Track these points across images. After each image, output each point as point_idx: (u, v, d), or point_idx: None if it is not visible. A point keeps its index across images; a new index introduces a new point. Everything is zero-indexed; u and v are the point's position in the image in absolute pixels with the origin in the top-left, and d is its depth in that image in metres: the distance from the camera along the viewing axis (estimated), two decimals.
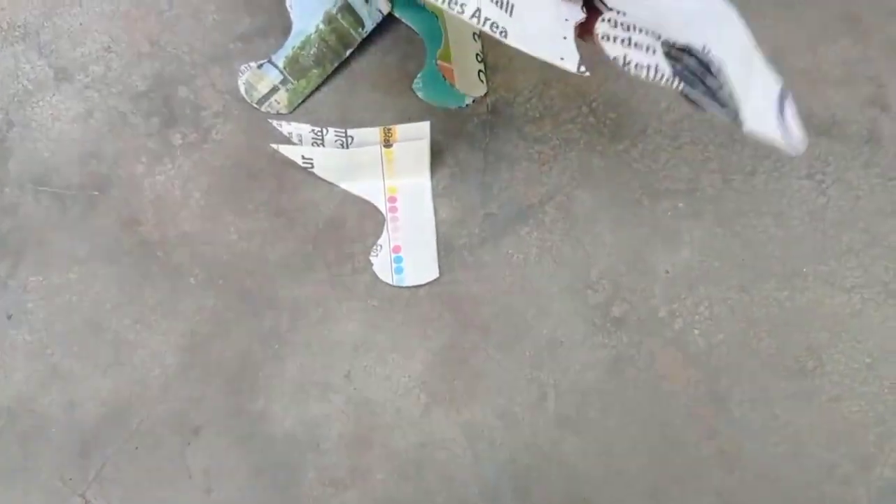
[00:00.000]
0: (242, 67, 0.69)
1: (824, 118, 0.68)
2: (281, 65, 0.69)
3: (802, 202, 0.66)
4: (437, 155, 0.67)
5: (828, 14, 0.72)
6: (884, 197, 0.66)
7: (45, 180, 0.67)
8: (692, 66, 0.48)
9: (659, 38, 0.47)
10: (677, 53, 0.48)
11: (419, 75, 0.69)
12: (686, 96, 0.48)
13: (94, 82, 0.70)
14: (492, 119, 0.69)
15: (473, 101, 0.69)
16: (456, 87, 0.68)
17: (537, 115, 0.69)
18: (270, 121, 0.66)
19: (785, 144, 0.49)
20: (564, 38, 0.45)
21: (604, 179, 0.67)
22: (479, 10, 0.39)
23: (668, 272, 0.64)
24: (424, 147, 0.64)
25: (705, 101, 0.49)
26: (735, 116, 0.48)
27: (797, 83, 0.69)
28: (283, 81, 0.68)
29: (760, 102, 0.49)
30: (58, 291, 0.64)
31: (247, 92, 0.69)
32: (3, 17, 0.72)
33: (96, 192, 0.66)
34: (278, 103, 0.68)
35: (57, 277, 0.64)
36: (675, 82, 0.47)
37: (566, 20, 0.46)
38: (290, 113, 0.68)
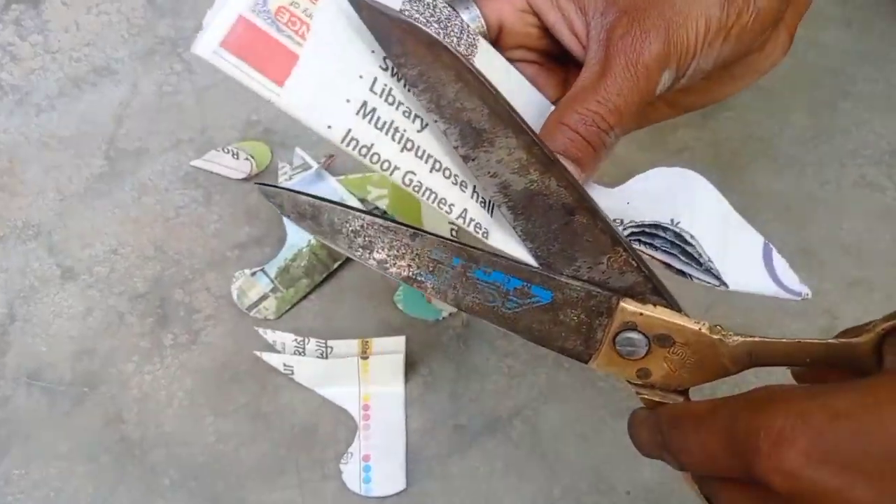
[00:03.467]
0: (237, 274, 0.74)
1: None
2: (272, 274, 0.74)
3: None
4: (412, 365, 0.70)
5: (785, 250, 0.76)
6: None
7: (38, 374, 0.70)
8: (667, 237, 0.50)
9: (621, 222, 0.49)
10: (650, 230, 0.50)
11: (399, 289, 0.74)
12: (669, 266, 0.49)
13: (97, 282, 0.75)
14: (465, 332, 0.73)
15: (449, 315, 0.73)
16: (432, 302, 0.73)
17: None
18: (257, 328, 0.71)
19: (785, 295, 0.50)
20: None
21: (570, 396, 0.70)
22: (465, 210, 0.41)
23: (629, 493, 0.66)
24: (399, 360, 0.67)
25: (689, 268, 0.50)
26: (718, 277, 0.49)
27: (756, 314, 0.73)
28: (273, 290, 0.73)
29: (743, 259, 0.51)
30: (37, 486, 0.66)
31: (238, 298, 0.73)
32: (19, 216, 0.78)
33: (86, 389, 0.70)
34: (267, 310, 0.73)
35: (38, 472, 0.66)
36: (657, 255, 0.48)
37: None
38: (277, 319, 0.73)
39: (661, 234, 0.51)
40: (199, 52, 0.36)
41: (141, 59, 0.87)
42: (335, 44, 0.38)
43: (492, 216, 0.42)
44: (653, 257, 0.48)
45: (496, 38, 0.48)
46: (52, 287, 0.75)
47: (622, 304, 0.41)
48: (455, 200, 0.40)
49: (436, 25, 0.46)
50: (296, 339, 0.69)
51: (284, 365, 0.68)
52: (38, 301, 0.74)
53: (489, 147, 0.38)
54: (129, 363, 0.71)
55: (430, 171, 0.40)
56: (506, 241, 0.41)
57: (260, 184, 0.43)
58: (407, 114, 0.40)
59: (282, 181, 0.78)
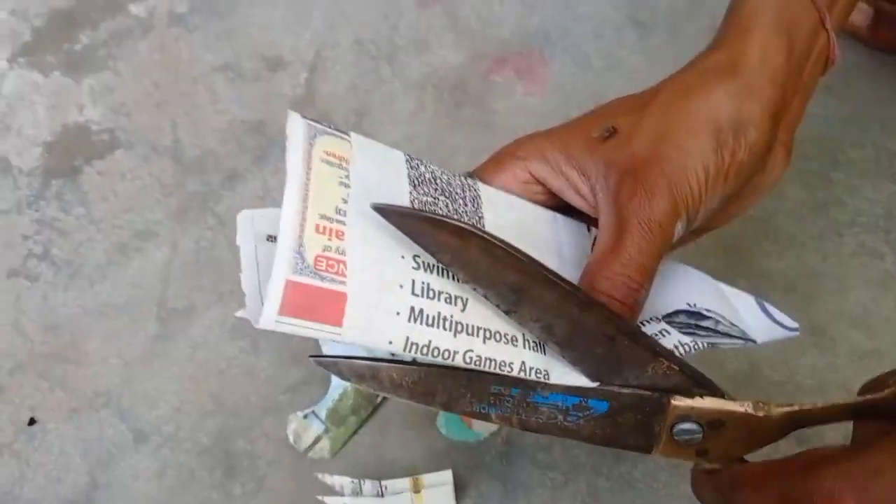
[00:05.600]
0: (290, 417, 0.81)
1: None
2: (323, 415, 0.80)
3: None
4: (462, 489, 0.76)
5: None
6: None
7: None
8: (687, 321, 0.56)
9: (659, 318, 0.56)
10: (671, 318, 0.56)
11: (440, 415, 0.80)
12: (708, 344, 0.55)
13: (166, 441, 0.82)
14: (507, 450, 0.78)
15: (490, 434, 0.79)
16: (472, 427, 0.79)
17: (547, 443, 0.78)
18: (316, 474, 0.77)
19: (789, 334, 0.59)
20: None
21: (611, 500, 0.75)
22: (523, 363, 0.44)
23: None
24: (450, 490, 0.73)
25: (715, 339, 0.57)
26: (744, 336, 0.56)
27: (776, 394, 0.78)
28: (326, 430, 0.79)
29: (751, 317, 0.58)
30: None
31: (294, 441, 0.80)
32: (88, 386, 0.86)
33: None
34: (322, 450, 0.79)
35: None
36: (692, 342, 0.53)
37: None
38: (333, 457, 0.79)
39: (677, 319, 0.57)
40: (263, 326, 0.40)
41: (176, 218, 0.94)
42: (371, 268, 0.42)
43: (546, 355, 0.45)
44: (682, 343, 0.53)
45: None
46: (127, 451, 0.82)
47: (673, 401, 0.46)
48: (512, 358, 0.43)
49: (443, 199, 0.51)
50: (352, 481, 0.75)
51: None
52: (115, 466, 0.81)
53: (528, 300, 0.42)
54: None
55: (484, 342, 0.43)
56: (565, 375, 0.45)
57: (315, 357, 0.45)
58: (449, 300, 0.43)
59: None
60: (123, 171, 0.98)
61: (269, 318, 0.40)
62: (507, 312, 0.43)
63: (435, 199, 0.52)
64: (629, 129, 0.49)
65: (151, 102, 1.01)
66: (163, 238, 0.93)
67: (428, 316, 0.42)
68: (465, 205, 0.51)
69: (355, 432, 0.80)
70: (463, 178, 0.52)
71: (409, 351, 0.42)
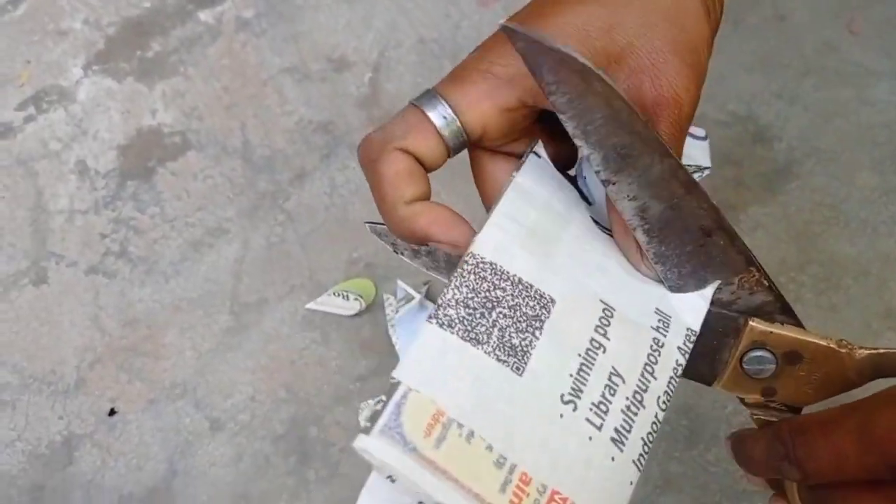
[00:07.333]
0: (362, 405, 0.82)
1: None
2: None
3: None
4: None
5: (869, 313, 0.81)
6: None
7: None
8: None
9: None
10: None
11: None
12: None
13: (242, 429, 0.84)
14: None
15: None
16: None
17: None
18: None
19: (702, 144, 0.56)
20: None
21: (684, 485, 0.75)
22: None
23: None
24: None
25: None
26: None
27: None
28: None
29: None
30: None
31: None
32: (166, 378, 0.88)
33: None
34: None
35: None
36: None
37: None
38: None
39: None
40: None
41: (247, 216, 0.97)
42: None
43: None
44: None
45: (478, 141, 0.41)
46: (205, 439, 0.84)
47: (751, 323, 0.41)
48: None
49: None
50: None
51: None
52: (193, 454, 0.83)
53: (632, 170, 0.38)
54: (280, 501, 0.79)
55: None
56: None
57: (371, 223, 0.41)
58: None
59: (389, 314, 0.86)
60: (195, 172, 1.01)
61: None
62: (604, 182, 0.38)
63: None
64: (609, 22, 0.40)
65: (221, 105, 1.04)
66: (234, 234, 0.96)
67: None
68: None
69: None
70: None
71: None
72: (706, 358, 0.42)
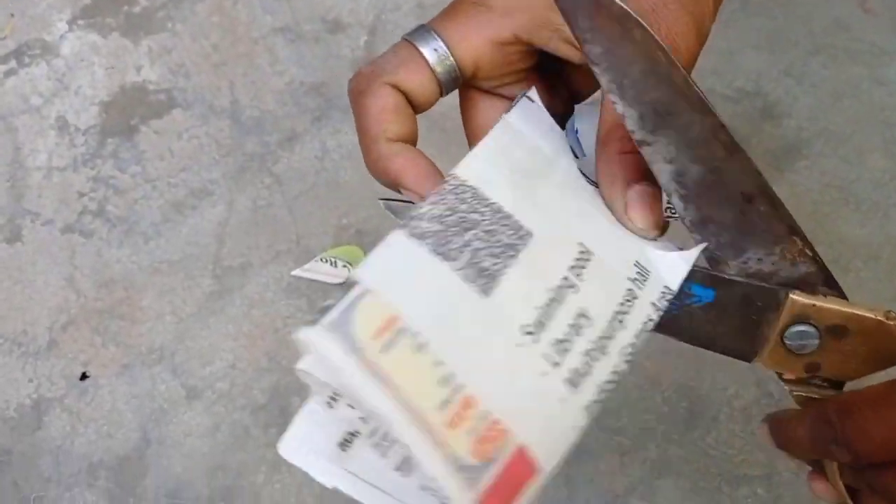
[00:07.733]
0: None
1: None
2: None
3: None
4: None
5: (880, 296, 0.78)
6: None
7: (177, 494, 0.75)
8: None
9: None
10: None
11: None
12: None
13: (220, 398, 0.80)
14: None
15: None
16: None
17: (615, 406, 0.75)
18: None
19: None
20: None
21: (683, 468, 0.72)
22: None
23: None
24: None
25: None
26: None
27: None
28: None
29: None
30: None
31: None
32: (142, 342, 0.84)
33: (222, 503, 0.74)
34: None
35: None
36: None
37: None
38: None
39: None
40: None
41: (234, 178, 0.92)
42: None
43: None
44: None
45: (470, 79, 0.40)
46: (180, 407, 0.80)
47: (792, 296, 0.39)
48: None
49: None
50: None
51: None
52: (168, 422, 0.79)
53: (669, 130, 0.36)
54: (258, 474, 0.76)
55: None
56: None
57: (385, 199, 0.39)
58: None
59: None
60: (180, 131, 0.96)
61: None
62: (639, 143, 0.36)
63: None
64: None
65: (209, 63, 0.99)
66: (219, 196, 0.92)
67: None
68: None
69: None
70: None
71: None
72: (746, 333, 0.40)
